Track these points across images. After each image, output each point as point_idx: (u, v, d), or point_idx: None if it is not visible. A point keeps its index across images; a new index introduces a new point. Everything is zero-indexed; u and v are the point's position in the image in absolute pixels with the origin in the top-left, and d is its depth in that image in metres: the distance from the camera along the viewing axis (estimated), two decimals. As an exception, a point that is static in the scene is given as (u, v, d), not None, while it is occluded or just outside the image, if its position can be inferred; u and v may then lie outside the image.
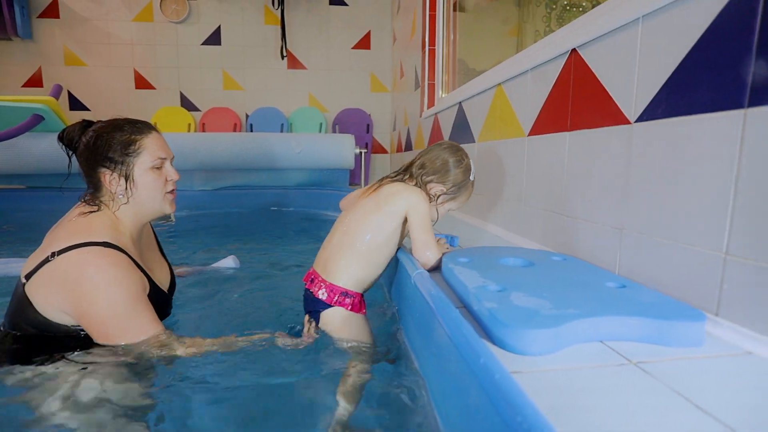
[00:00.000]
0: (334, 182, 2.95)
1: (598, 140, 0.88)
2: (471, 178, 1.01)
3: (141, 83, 3.60)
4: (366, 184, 3.60)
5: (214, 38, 3.61)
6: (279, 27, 3.62)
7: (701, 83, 0.64)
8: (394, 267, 1.02)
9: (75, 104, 3.55)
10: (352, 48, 3.76)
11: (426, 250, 0.89)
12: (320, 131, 3.70)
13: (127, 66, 3.57)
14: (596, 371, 0.49)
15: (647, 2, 0.73)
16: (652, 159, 0.73)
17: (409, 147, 3.04)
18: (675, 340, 0.54)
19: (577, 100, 0.95)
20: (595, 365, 0.51)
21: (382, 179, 1.01)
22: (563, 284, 0.69)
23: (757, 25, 0.55)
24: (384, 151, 3.94)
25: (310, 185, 2.94)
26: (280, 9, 3.54)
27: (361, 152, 2.93)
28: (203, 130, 3.63)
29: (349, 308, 0.88)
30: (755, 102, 0.55)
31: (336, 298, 0.87)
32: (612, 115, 0.83)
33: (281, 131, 3.66)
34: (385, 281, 1.15)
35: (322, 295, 0.88)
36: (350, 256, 0.89)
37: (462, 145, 1.06)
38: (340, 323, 0.88)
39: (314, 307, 0.89)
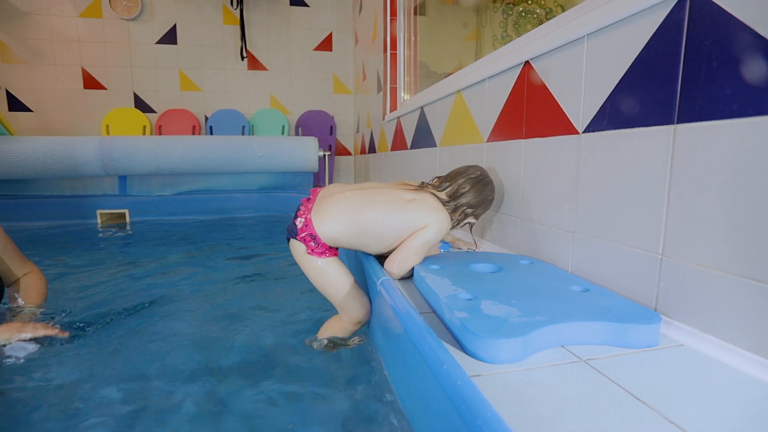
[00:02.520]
0: (297, 185, 2.93)
1: (550, 148, 0.94)
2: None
3: (90, 83, 3.41)
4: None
5: (170, 37, 3.48)
6: (238, 27, 3.54)
7: (637, 100, 0.69)
8: (360, 271, 1.04)
9: (15, 105, 3.32)
10: (314, 49, 3.73)
11: (400, 265, 0.88)
12: (283, 133, 3.65)
13: (73, 64, 3.37)
14: (557, 375, 0.53)
15: (591, 22, 0.78)
16: (598, 168, 0.79)
17: (372, 149, 3.06)
18: (632, 341, 0.58)
19: (531, 110, 1.01)
20: (557, 368, 0.55)
21: (424, 184, 1.03)
22: (530, 290, 0.72)
23: (682, 50, 0.61)
24: (348, 153, 3.95)
25: (273, 189, 2.90)
26: (239, 9, 3.46)
27: (324, 155, 2.92)
28: (160, 133, 3.50)
29: (309, 251, 0.91)
30: (683, 119, 0.61)
31: (304, 235, 0.90)
32: (562, 125, 0.89)
33: (242, 133, 3.58)
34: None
35: (299, 222, 0.92)
36: (345, 220, 0.90)
37: (424, 150, 1.10)
38: (301, 257, 0.93)
39: (290, 231, 0.94)
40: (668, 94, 0.64)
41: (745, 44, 0.53)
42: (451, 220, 0.96)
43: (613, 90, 0.75)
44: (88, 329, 0.98)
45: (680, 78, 0.62)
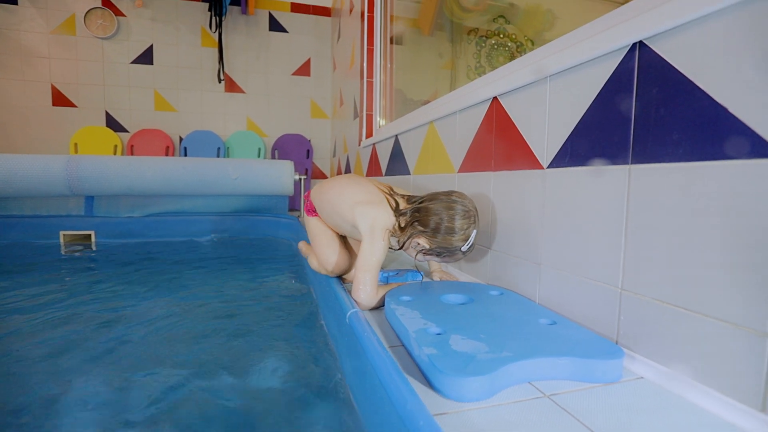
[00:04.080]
0: (272, 208, 2.90)
1: (518, 181, 0.97)
2: (464, 249, 0.94)
3: (60, 100, 3.33)
4: (306, 209, 3.58)
5: (146, 57, 3.45)
6: (216, 50, 3.55)
7: (596, 139, 0.73)
8: (330, 300, 1.03)
9: (-22, 120, 3.20)
10: (292, 74, 3.77)
11: (359, 291, 0.91)
12: (259, 156, 3.63)
13: (43, 81, 3.29)
14: (521, 412, 0.53)
15: (553, 64, 0.83)
16: (562, 202, 0.82)
17: (348, 173, 3.08)
18: (596, 376, 0.60)
19: (499, 143, 1.04)
20: (521, 405, 0.55)
21: (392, 190, 1.06)
22: (499, 322, 0.72)
23: (633, 96, 0.65)
24: (324, 177, 3.95)
25: (247, 212, 2.86)
26: (217, 32, 3.48)
27: (300, 179, 2.92)
28: (131, 153, 3.42)
29: (305, 210, 1.24)
30: (636, 160, 0.65)
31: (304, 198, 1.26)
32: (528, 160, 0.92)
33: (218, 155, 3.55)
34: (324, 312, 1.15)
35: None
36: (322, 192, 1.17)
37: (398, 177, 1.11)
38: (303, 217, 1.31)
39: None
40: (623, 136, 0.67)
41: (686, 94, 0.57)
42: (398, 230, 0.98)
43: (574, 129, 0.79)
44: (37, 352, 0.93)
45: (633, 121, 0.66)
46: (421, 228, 0.95)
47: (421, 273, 1.17)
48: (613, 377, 0.61)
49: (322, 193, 1.16)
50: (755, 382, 0.49)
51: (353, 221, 1.01)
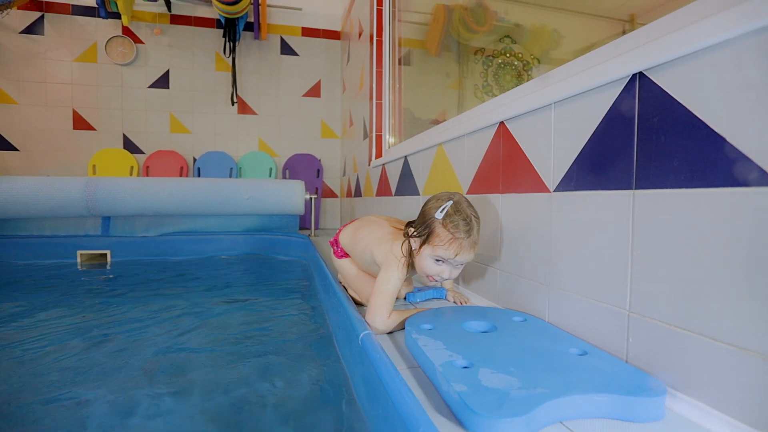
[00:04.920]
0: (283, 228, 2.94)
1: (525, 204, 0.99)
2: (438, 215, 0.95)
3: (80, 124, 3.45)
4: (316, 229, 3.62)
5: (162, 82, 3.58)
6: (230, 74, 3.66)
7: (600, 164, 0.75)
8: (343, 321, 1.05)
9: (1, 144, 3.32)
10: (303, 95, 3.87)
11: (375, 316, 0.94)
12: (270, 175, 3.70)
13: (65, 106, 3.42)
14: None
15: (557, 92, 0.86)
16: (569, 224, 0.84)
17: (358, 193, 3.12)
18: (637, 415, 0.56)
19: (507, 166, 1.07)
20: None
21: (404, 225, 1.12)
22: (527, 353, 0.70)
23: (635, 124, 0.68)
24: (334, 196, 4.00)
25: (259, 231, 2.90)
26: (231, 57, 3.60)
27: (311, 198, 2.96)
28: (147, 174, 3.52)
29: (334, 254, 1.32)
30: (640, 185, 0.67)
31: (332, 242, 1.33)
32: (535, 183, 0.95)
33: (230, 175, 3.62)
34: (336, 333, 1.16)
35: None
36: (348, 235, 1.27)
37: (408, 197, 1.15)
38: (332, 259, 1.34)
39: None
40: (626, 162, 0.70)
41: (686, 124, 0.59)
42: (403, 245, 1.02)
43: (579, 154, 0.81)
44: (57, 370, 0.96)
45: (635, 148, 0.68)
46: (413, 230, 1.02)
47: (444, 289, 1.21)
48: (655, 416, 0.57)
49: (353, 237, 1.23)
50: (760, 407, 0.50)
51: (374, 257, 1.08)
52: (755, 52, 0.51)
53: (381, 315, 0.94)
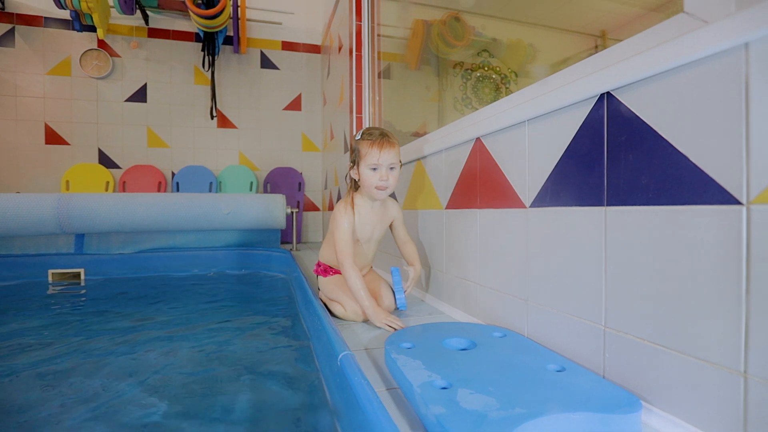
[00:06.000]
0: (265, 242, 2.90)
1: (503, 219, 1.00)
2: (357, 137, 1.25)
3: (52, 138, 3.36)
4: (298, 243, 3.59)
5: (140, 96, 3.52)
6: (209, 87, 3.63)
7: (573, 181, 0.77)
8: (323, 341, 1.03)
9: (-31, 160, 3.21)
10: (284, 109, 3.86)
11: (342, 262, 1.20)
12: (251, 189, 3.66)
13: (36, 120, 3.33)
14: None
15: (529, 110, 0.87)
16: (545, 240, 0.85)
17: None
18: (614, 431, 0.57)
19: (484, 182, 1.08)
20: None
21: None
22: (507, 371, 0.70)
23: (604, 142, 0.69)
24: (316, 209, 3.98)
25: (240, 246, 2.86)
26: (210, 71, 3.57)
27: (292, 212, 2.94)
28: (123, 189, 3.43)
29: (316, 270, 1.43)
30: (611, 202, 0.68)
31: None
32: (512, 199, 0.96)
33: (210, 190, 3.57)
34: (317, 351, 1.15)
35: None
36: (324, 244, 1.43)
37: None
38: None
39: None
40: (597, 179, 0.71)
41: (651, 142, 0.61)
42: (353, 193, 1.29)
43: (553, 170, 0.82)
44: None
45: (606, 165, 0.69)
46: (350, 164, 1.28)
47: (397, 268, 1.31)
48: (631, 430, 0.57)
49: (326, 244, 1.40)
50: (733, 422, 0.51)
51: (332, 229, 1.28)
52: (713, 74, 0.53)
53: (350, 257, 1.19)
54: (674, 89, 0.58)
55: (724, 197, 0.51)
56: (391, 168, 1.22)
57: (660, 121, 0.60)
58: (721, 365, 0.52)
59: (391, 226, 1.38)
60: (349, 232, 1.23)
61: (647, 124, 0.62)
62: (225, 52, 3.68)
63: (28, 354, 1.29)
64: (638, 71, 0.62)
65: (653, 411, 0.61)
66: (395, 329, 1.08)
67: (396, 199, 1.76)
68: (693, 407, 0.56)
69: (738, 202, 0.50)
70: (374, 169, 1.20)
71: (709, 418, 0.54)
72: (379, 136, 1.20)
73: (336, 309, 1.26)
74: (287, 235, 3.48)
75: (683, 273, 0.57)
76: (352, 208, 1.26)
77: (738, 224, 0.50)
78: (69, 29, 3.37)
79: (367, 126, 1.31)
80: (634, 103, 0.64)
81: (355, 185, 1.28)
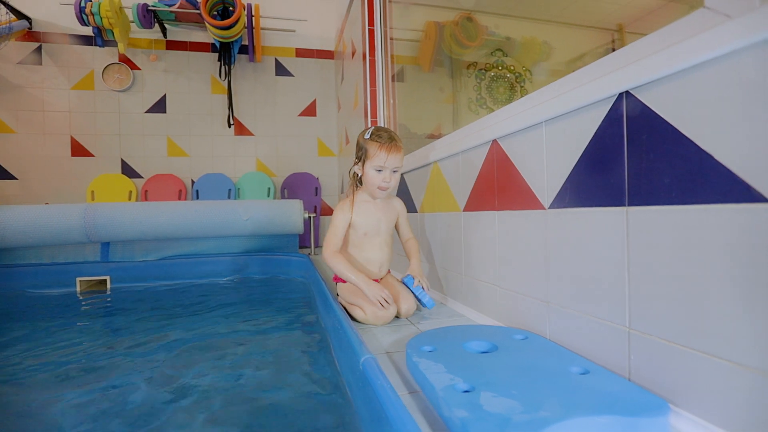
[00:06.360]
0: (283, 247, 2.94)
1: (521, 221, 1.00)
2: (366, 137, 1.27)
3: (78, 151, 3.48)
4: (316, 247, 3.62)
5: (159, 106, 3.61)
6: (226, 96, 3.70)
7: (593, 182, 0.76)
8: (345, 347, 1.04)
9: (0, 173, 3.34)
10: (299, 115, 3.90)
11: (324, 248, 1.30)
12: (269, 195, 3.71)
13: (63, 133, 3.45)
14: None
15: (547, 110, 0.87)
16: (565, 241, 0.84)
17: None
18: None
19: (501, 184, 1.08)
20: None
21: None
22: (529, 374, 0.70)
23: (624, 142, 0.69)
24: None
25: (259, 251, 2.90)
26: (227, 80, 3.65)
27: (310, 216, 2.97)
28: (145, 198, 3.53)
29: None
30: (633, 202, 0.67)
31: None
32: (530, 200, 0.95)
33: (229, 196, 3.63)
34: (338, 355, 1.16)
35: None
36: None
37: (407, 214, 1.33)
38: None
39: None
40: (618, 179, 0.70)
41: (673, 141, 0.60)
42: (355, 189, 1.37)
43: (572, 171, 0.82)
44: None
45: (626, 165, 0.68)
46: (355, 159, 1.33)
47: (409, 276, 1.31)
48: None
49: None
50: (763, 425, 0.50)
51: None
52: (738, 70, 0.52)
53: (332, 245, 1.29)
54: (697, 87, 0.57)
55: (751, 195, 0.50)
56: (395, 171, 1.28)
57: (682, 119, 0.59)
58: (750, 367, 0.51)
59: (396, 224, 1.42)
60: (341, 227, 1.31)
61: (669, 123, 0.61)
62: (240, 61, 3.75)
63: (59, 353, 1.34)
64: (658, 69, 0.61)
65: (681, 414, 0.60)
66: (389, 304, 1.19)
67: (400, 198, 1.76)
68: (722, 410, 0.55)
69: (766, 200, 0.49)
70: (379, 170, 1.26)
71: (739, 421, 0.53)
72: (388, 140, 1.25)
73: (356, 313, 1.27)
74: (305, 240, 3.52)
75: (709, 273, 0.56)
76: (352, 205, 1.33)
77: (767, 223, 0.49)
78: (92, 45, 3.49)
79: (377, 126, 1.34)
80: (654, 101, 0.63)
81: (358, 180, 1.35)
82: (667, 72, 0.60)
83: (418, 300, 1.28)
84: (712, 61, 0.55)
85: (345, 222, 1.31)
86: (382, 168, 1.25)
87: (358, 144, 1.32)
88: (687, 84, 0.58)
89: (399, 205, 1.42)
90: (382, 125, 1.33)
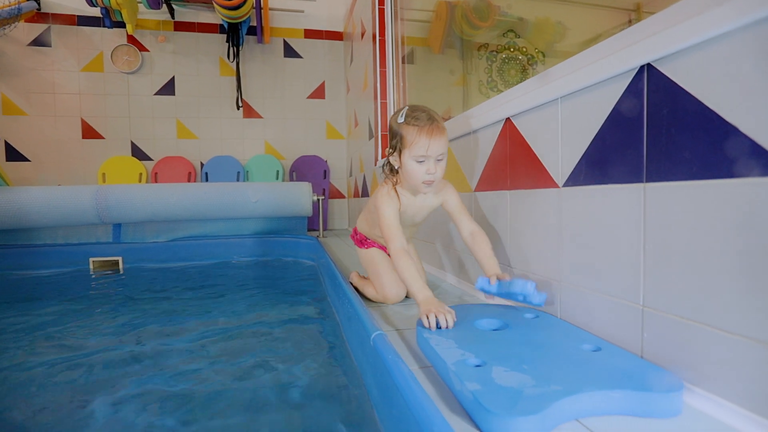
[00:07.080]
0: (292, 230, 2.95)
1: (534, 200, 0.98)
2: (400, 120, 1.06)
3: (89, 133, 3.50)
4: (325, 230, 3.63)
5: (168, 89, 3.61)
6: (234, 78, 3.68)
7: (609, 158, 0.75)
8: (354, 325, 1.05)
9: (12, 155, 3.38)
10: (308, 97, 3.88)
11: (391, 243, 1.06)
12: (277, 178, 3.72)
13: (73, 116, 3.47)
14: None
15: (563, 86, 0.85)
16: (579, 220, 0.83)
17: (365, 193, 3.12)
18: (654, 411, 0.56)
19: (514, 163, 1.06)
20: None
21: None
22: (540, 351, 0.70)
23: (644, 116, 0.67)
24: (342, 196, 4.01)
25: (267, 233, 2.92)
26: (235, 62, 3.62)
27: (318, 199, 2.97)
28: (155, 180, 3.55)
29: (356, 244, 1.37)
30: (651, 178, 0.66)
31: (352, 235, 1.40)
32: (544, 179, 0.94)
33: (238, 179, 3.65)
34: (347, 334, 1.17)
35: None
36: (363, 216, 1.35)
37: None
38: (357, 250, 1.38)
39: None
40: (636, 155, 0.69)
41: (696, 114, 0.58)
42: (393, 182, 1.14)
43: (587, 148, 0.80)
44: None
45: (645, 141, 0.67)
46: (389, 149, 1.12)
47: (532, 282, 0.90)
48: (673, 411, 0.56)
49: (366, 216, 1.32)
50: (784, 400, 0.49)
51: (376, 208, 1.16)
52: (764, 39, 0.50)
53: (396, 240, 1.05)
54: (722, 57, 0.55)
55: (777, 168, 0.49)
56: (439, 159, 1.05)
57: (707, 91, 0.57)
58: (765, 342, 0.50)
59: (448, 213, 1.18)
60: (395, 217, 1.10)
61: (692, 96, 0.59)
62: (249, 43, 3.71)
63: (76, 333, 1.37)
64: (682, 40, 0.59)
65: (694, 391, 0.60)
66: (448, 326, 0.84)
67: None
68: (736, 386, 0.54)
69: (793, 173, 0.47)
70: (421, 161, 1.03)
71: (753, 397, 0.52)
72: (428, 120, 1.02)
73: (367, 291, 1.28)
74: (314, 223, 3.53)
75: (728, 249, 0.55)
76: (395, 191, 1.13)
77: (792, 196, 0.47)
78: (100, 26, 3.47)
79: (411, 105, 1.09)
80: (677, 74, 0.61)
81: (393, 171, 1.14)
82: (692, 42, 0.58)
83: (523, 301, 0.93)
84: (739, 30, 0.53)
85: (396, 210, 1.11)
86: (425, 157, 1.03)
87: (391, 129, 1.10)
88: (712, 54, 0.56)
89: (448, 191, 1.16)
90: (416, 105, 1.07)
